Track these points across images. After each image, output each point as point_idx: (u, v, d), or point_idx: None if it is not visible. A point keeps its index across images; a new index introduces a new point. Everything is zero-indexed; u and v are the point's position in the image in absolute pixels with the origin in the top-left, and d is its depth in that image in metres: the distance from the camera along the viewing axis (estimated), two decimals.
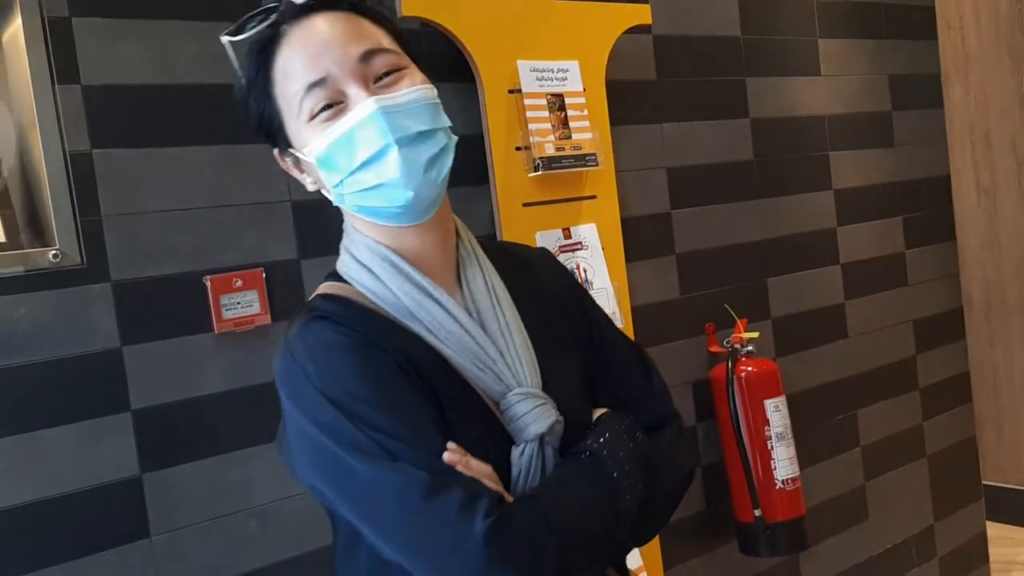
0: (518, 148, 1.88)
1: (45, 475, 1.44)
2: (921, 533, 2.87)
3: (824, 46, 2.66)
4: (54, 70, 1.47)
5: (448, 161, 0.97)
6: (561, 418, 0.99)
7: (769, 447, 2.17)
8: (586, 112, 1.97)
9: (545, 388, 1.00)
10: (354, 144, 0.92)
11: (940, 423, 2.95)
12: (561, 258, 1.93)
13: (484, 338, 0.98)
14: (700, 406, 2.29)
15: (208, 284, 1.56)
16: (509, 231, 1.87)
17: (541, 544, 0.88)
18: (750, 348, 2.25)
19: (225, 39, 0.98)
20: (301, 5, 0.95)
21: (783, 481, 2.17)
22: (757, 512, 2.17)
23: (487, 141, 1.85)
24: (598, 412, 1.06)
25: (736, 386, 2.18)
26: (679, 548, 2.23)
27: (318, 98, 0.93)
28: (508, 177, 1.87)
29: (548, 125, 1.89)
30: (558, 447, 0.99)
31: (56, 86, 1.47)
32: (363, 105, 0.92)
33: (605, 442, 0.99)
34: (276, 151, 1.02)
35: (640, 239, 2.19)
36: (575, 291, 1.16)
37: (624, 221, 2.11)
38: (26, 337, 1.43)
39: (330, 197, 1.00)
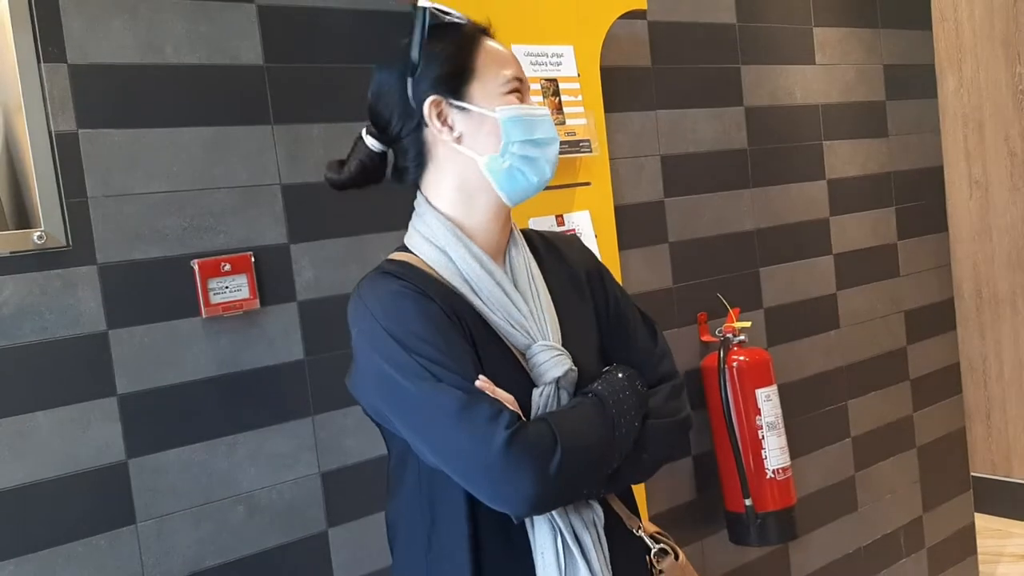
0: None
1: (29, 460, 1.42)
2: (910, 524, 2.87)
3: (819, 35, 2.64)
4: (40, 49, 1.44)
5: None
6: (575, 368, 1.20)
7: (760, 437, 2.17)
8: (580, 98, 1.95)
9: (564, 344, 1.22)
10: (536, 126, 1.21)
11: (930, 414, 2.95)
12: None
13: (520, 301, 1.21)
14: (691, 395, 2.26)
15: (196, 268, 1.54)
16: None
17: (550, 451, 1.08)
18: (742, 337, 2.24)
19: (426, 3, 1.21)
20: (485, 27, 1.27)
21: (774, 471, 2.17)
22: (748, 502, 2.16)
23: None
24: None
25: (728, 375, 2.18)
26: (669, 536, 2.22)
27: (516, 85, 1.22)
28: None
29: None
30: (572, 392, 1.20)
31: (42, 65, 1.44)
32: (544, 108, 1.25)
33: (607, 387, 1.19)
34: (435, 97, 1.20)
35: (633, 227, 2.18)
36: (597, 268, 1.37)
37: (617, 208, 2.10)
38: (10, 319, 1.41)
39: (478, 149, 1.20)
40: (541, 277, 1.27)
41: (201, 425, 1.57)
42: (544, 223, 1.90)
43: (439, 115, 1.21)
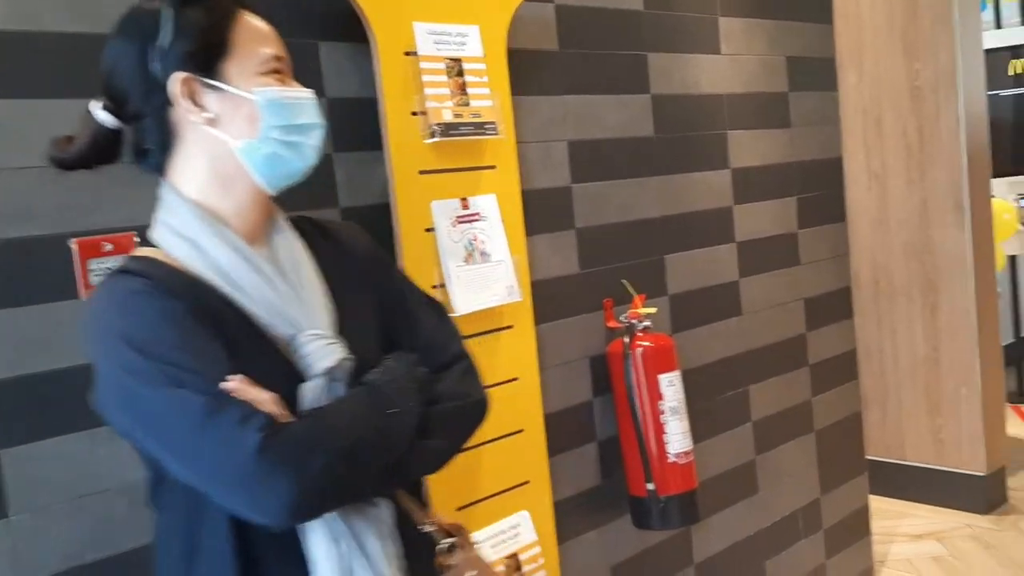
0: (414, 113, 1.82)
1: None
2: (808, 506, 2.95)
3: (724, 24, 2.67)
4: None
5: None
6: (350, 357, 1.13)
7: (663, 421, 2.18)
8: (486, 79, 1.92)
9: (340, 332, 1.16)
10: (298, 110, 1.15)
11: (828, 399, 3.03)
12: (459, 229, 1.89)
13: (284, 288, 1.13)
14: (597, 381, 2.29)
15: (74, 248, 1.45)
16: (405, 199, 1.81)
17: (310, 451, 1.00)
18: (647, 323, 2.25)
19: None
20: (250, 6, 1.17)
21: (676, 455, 2.19)
22: (650, 486, 2.18)
23: (381, 105, 1.79)
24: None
25: (632, 361, 2.18)
26: (574, 522, 2.23)
27: (275, 65, 1.15)
28: (403, 143, 1.81)
29: (446, 91, 1.84)
30: (348, 383, 1.13)
31: None
32: (306, 91, 1.17)
33: (383, 375, 1.14)
34: (183, 75, 1.11)
35: (540, 212, 2.16)
36: (378, 255, 1.33)
37: (525, 193, 2.08)
38: None
39: (231, 136, 1.12)
40: (311, 264, 1.19)
41: (80, 414, 1.48)
42: (448, 206, 1.87)
43: (189, 94, 1.11)
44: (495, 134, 1.91)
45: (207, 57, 1.12)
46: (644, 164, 2.43)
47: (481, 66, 1.90)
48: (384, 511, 1.14)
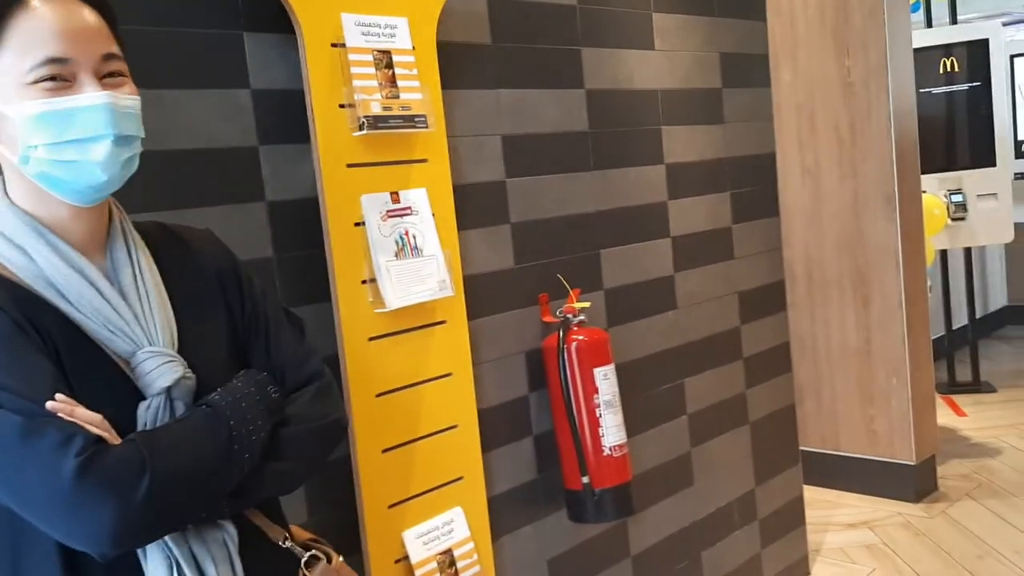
0: (342, 106, 1.79)
1: None
2: (743, 497, 2.99)
3: (658, 20, 2.69)
4: None
5: (135, 166, 1.11)
6: (191, 375, 1.09)
7: (598, 415, 2.19)
8: (416, 72, 1.90)
9: (183, 350, 1.11)
10: (72, 122, 1.02)
11: (762, 391, 3.08)
12: (389, 223, 1.87)
13: (120, 302, 1.07)
14: (533, 376, 2.29)
15: None
16: (333, 192, 1.78)
17: (134, 477, 0.95)
18: (582, 318, 2.26)
19: None
20: None
21: (611, 448, 2.20)
22: (585, 479, 2.18)
23: (308, 97, 1.76)
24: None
25: (567, 355, 2.19)
26: (510, 517, 2.22)
27: (51, 71, 1.02)
28: (331, 136, 1.78)
29: (375, 83, 1.82)
30: (189, 403, 1.09)
31: None
32: (97, 96, 1.03)
33: (225, 396, 1.09)
34: None
35: (474, 207, 2.15)
36: (233, 266, 1.26)
37: (457, 188, 2.06)
38: None
39: (7, 152, 1.05)
40: (154, 274, 1.14)
41: None
42: (378, 200, 1.85)
43: None
44: (425, 127, 1.90)
45: None
46: (579, 159, 2.44)
47: (410, 58, 1.88)
48: (229, 531, 1.10)
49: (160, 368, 1.06)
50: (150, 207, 1.59)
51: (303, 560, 1.22)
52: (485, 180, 2.20)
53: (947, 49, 5.18)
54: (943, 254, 5.60)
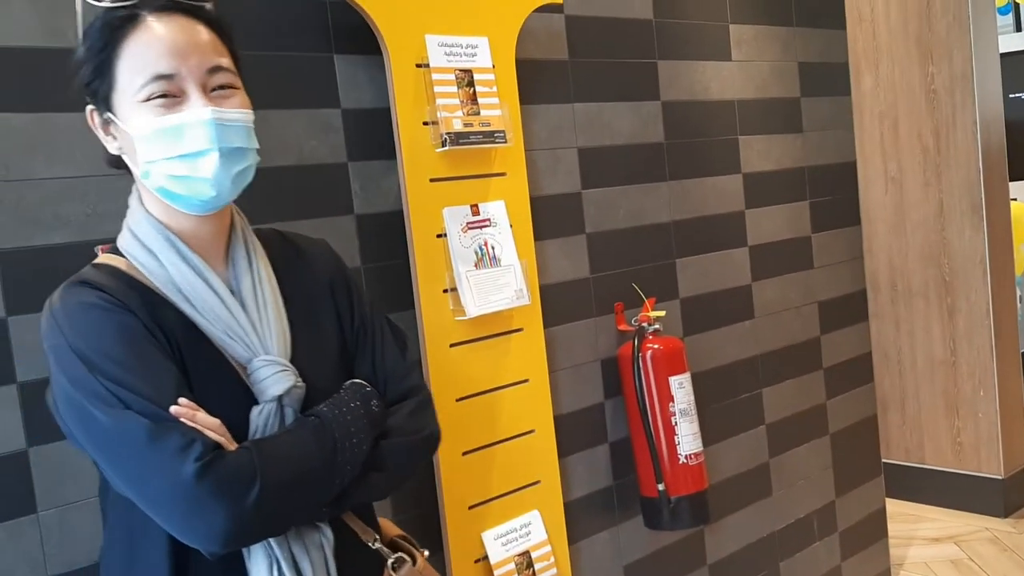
0: (425, 123, 1.87)
1: None
2: (823, 508, 2.96)
3: (735, 32, 2.71)
4: None
5: (249, 177, 1.15)
6: (301, 384, 1.13)
7: (673, 423, 2.22)
8: (495, 89, 1.97)
9: (295, 359, 1.15)
10: (181, 137, 1.06)
11: (843, 402, 3.05)
12: (469, 234, 1.94)
13: (239, 311, 1.12)
14: (608, 383, 2.33)
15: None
16: (417, 206, 1.86)
17: (247, 484, 1.00)
18: (657, 326, 2.29)
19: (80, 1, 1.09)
20: (167, 2, 1.09)
21: (686, 456, 2.22)
22: (660, 487, 2.21)
23: (394, 115, 1.84)
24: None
25: (642, 363, 2.22)
26: (586, 521, 2.27)
27: (160, 88, 1.06)
28: (415, 152, 1.86)
29: (456, 100, 1.89)
30: (298, 410, 1.13)
31: None
32: (201, 110, 1.06)
33: (333, 407, 1.13)
34: (90, 108, 1.14)
35: (550, 218, 2.21)
36: (344, 277, 1.31)
37: (534, 200, 2.13)
38: None
39: (134, 167, 1.13)
40: (272, 285, 1.18)
41: None
42: (459, 212, 1.93)
43: (102, 124, 1.13)
44: (504, 142, 1.97)
45: (98, 89, 1.10)
46: (655, 170, 2.47)
47: (490, 76, 1.96)
48: (326, 534, 1.15)
49: (274, 376, 1.10)
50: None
51: (390, 562, 1.26)
52: (561, 192, 2.25)
53: None
54: None
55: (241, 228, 1.20)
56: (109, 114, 1.10)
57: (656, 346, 2.24)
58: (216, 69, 1.10)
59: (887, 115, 3.98)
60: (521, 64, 2.07)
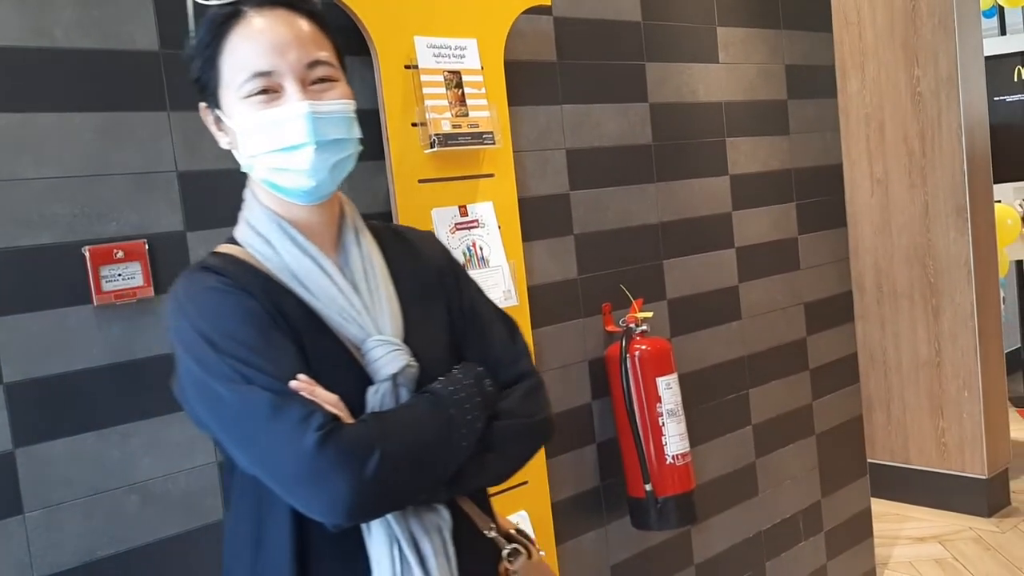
0: (414, 124, 1.88)
1: None
2: (809, 508, 2.98)
3: (723, 34, 2.72)
4: None
5: (351, 166, 1.18)
6: (415, 363, 1.14)
7: (660, 423, 2.23)
8: (484, 90, 1.97)
9: (408, 339, 1.16)
10: (279, 131, 1.10)
11: (828, 403, 3.07)
12: (457, 235, 1.94)
13: (352, 293, 1.15)
14: (596, 384, 2.34)
15: (87, 255, 1.52)
16: (405, 207, 1.87)
17: (365, 454, 1.01)
18: (644, 327, 2.30)
19: None
20: None
21: (673, 456, 2.23)
22: (648, 487, 2.22)
23: (383, 116, 1.85)
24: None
25: (629, 364, 2.23)
26: (573, 522, 2.27)
27: (260, 84, 1.10)
28: (404, 153, 1.87)
29: (445, 102, 1.90)
30: (412, 389, 1.14)
31: None
32: (297, 105, 1.09)
33: (447, 385, 1.14)
34: (203, 105, 1.18)
35: (538, 219, 2.22)
36: (452, 266, 1.32)
37: (523, 201, 2.13)
38: None
39: (240, 161, 1.17)
40: (383, 269, 1.20)
41: (93, 414, 1.55)
42: (447, 213, 1.93)
43: (213, 120, 1.18)
44: (492, 144, 1.97)
45: (206, 85, 1.15)
46: (642, 171, 2.48)
47: (479, 78, 1.96)
48: (444, 516, 1.15)
49: (388, 356, 1.12)
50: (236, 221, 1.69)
51: (506, 552, 1.25)
52: (550, 193, 2.26)
53: (1022, 57, 5.07)
54: (1018, 265, 5.46)
55: (350, 215, 1.23)
56: (218, 111, 1.15)
57: (643, 347, 2.25)
58: (315, 63, 1.12)
59: (873, 117, 4.00)
60: (510, 66, 2.08)
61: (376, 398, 1.11)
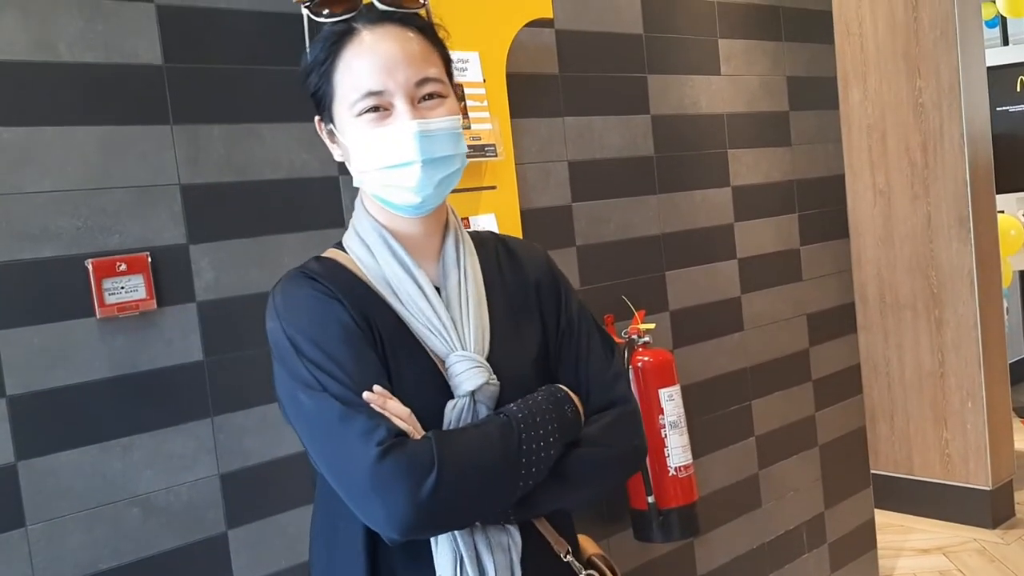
0: None
1: None
2: (812, 520, 2.97)
3: (724, 46, 2.73)
4: None
5: (456, 180, 1.20)
6: (495, 381, 1.15)
7: (663, 435, 2.22)
8: (486, 103, 1.98)
9: (492, 357, 1.17)
10: (388, 149, 1.12)
11: (831, 414, 3.06)
12: None
13: (442, 308, 1.16)
14: None
15: (90, 268, 1.52)
16: None
17: (424, 472, 1.02)
18: (647, 339, 2.30)
19: (305, 12, 1.18)
20: (381, 12, 1.15)
21: (676, 468, 2.23)
22: (650, 499, 2.22)
23: None
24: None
25: (632, 375, 2.23)
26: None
27: (371, 103, 1.13)
28: None
29: None
30: (491, 407, 1.15)
31: None
32: (406, 124, 1.12)
33: (523, 408, 1.13)
34: (318, 118, 1.22)
35: (541, 230, 2.22)
36: (553, 281, 1.31)
37: (525, 213, 2.14)
38: None
39: (352, 174, 1.20)
40: (477, 283, 1.21)
41: (95, 427, 1.55)
42: None
43: (328, 134, 1.22)
44: (495, 156, 1.97)
45: (321, 100, 1.19)
46: (644, 183, 2.48)
47: (481, 91, 1.97)
48: (514, 536, 1.14)
49: (468, 372, 1.13)
50: (239, 234, 1.70)
51: None
52: (552, 205, 2.26)
53: None
54: (1021, 275, 5.46)
55: (454, 227, 1.25)
56: (331, 126, 1.19)
57: (646, 358, 2.24)
58: (424, 80, 1.14)
59: (875, 128, 4.01)
60: (512, 78, 2.08)
61: (453, 413, 1.12)
